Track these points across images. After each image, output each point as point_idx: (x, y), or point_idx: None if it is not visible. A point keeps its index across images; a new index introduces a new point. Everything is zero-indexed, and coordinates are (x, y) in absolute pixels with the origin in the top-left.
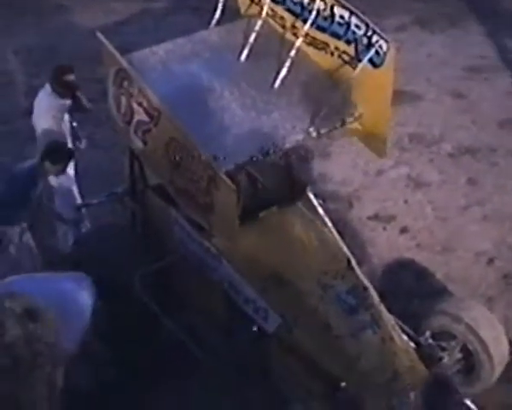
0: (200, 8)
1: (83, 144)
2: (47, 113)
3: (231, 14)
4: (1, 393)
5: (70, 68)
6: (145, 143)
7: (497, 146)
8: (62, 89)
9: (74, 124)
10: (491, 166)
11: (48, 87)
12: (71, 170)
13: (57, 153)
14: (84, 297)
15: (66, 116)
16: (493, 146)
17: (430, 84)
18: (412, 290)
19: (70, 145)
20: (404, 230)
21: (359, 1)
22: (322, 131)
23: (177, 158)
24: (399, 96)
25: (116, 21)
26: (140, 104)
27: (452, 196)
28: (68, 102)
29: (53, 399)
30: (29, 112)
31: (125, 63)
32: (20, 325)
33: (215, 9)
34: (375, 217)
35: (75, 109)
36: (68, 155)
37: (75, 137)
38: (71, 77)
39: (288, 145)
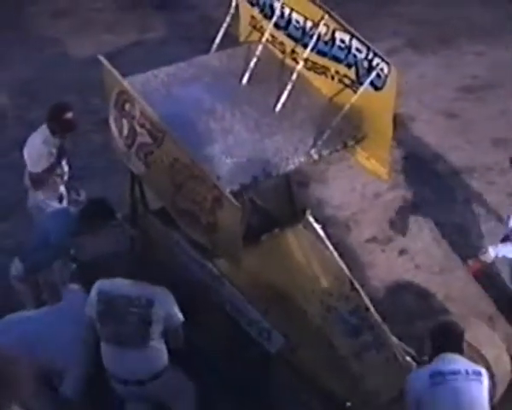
0: (192, 37)
1: (82, 196)
2: (42, 153)
3: (229, 41)
4: None
5: (68, 106)
6: (147, 165)
7: (492, 165)
8: (61, 128)
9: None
10: (487, 185)
11: (45, 127)
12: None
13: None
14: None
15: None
16: (489, 165)
17: (422, 106)
18: (413, 311)
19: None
20: (402, 251)
21: (349, 25)
22: (324, 153)
23: (181, 179)
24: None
25: (108, 53)
26: (143, 126)
27: (449, 216)
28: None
29: None
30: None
31: (127, 85)
32: None
33: (214, 38)
34: (374, 239)
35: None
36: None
37: (71, 188)
38: (70, 115)
39: (290, 167)
